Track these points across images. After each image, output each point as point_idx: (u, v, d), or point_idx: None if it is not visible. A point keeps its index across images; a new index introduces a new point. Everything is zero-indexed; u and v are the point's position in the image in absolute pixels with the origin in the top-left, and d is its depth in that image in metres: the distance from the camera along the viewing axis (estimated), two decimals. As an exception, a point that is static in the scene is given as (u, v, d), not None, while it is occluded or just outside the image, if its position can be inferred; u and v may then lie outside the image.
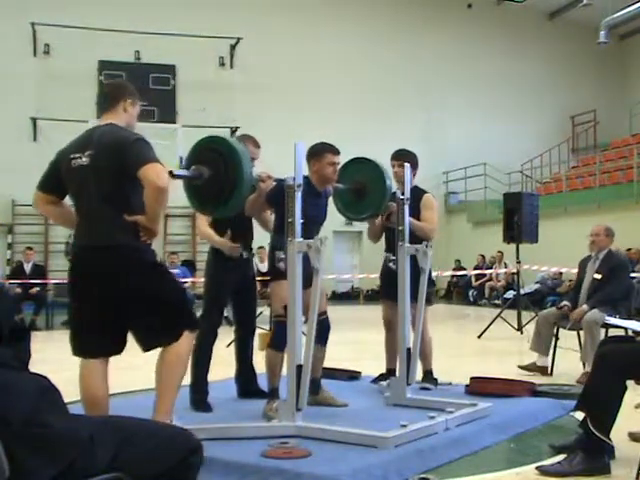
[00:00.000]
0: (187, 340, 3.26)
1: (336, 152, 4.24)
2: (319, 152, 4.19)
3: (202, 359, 4.32)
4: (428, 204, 5.02)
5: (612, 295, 5.78)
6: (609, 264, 5.91)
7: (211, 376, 4.47)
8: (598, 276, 5.91)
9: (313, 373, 4.36)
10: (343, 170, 4.47)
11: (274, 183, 3.96)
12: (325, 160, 4.18)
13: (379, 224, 5.03)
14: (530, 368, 6.03)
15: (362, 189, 4.62)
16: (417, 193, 4.96)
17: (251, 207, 4.01)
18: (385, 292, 5.15)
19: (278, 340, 3.97)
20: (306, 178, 3.89)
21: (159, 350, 3.26)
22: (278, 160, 5.87)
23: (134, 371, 4.25)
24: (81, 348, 3.27)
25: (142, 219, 3.16)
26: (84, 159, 3.22)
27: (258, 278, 5.00)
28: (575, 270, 6.40)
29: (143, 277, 3.17)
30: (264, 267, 8.52)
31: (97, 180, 3.18)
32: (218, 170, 3.44)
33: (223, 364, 4.47)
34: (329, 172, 4.20)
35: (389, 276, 4.90)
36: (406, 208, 4.54)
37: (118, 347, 3.28)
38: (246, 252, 4.58)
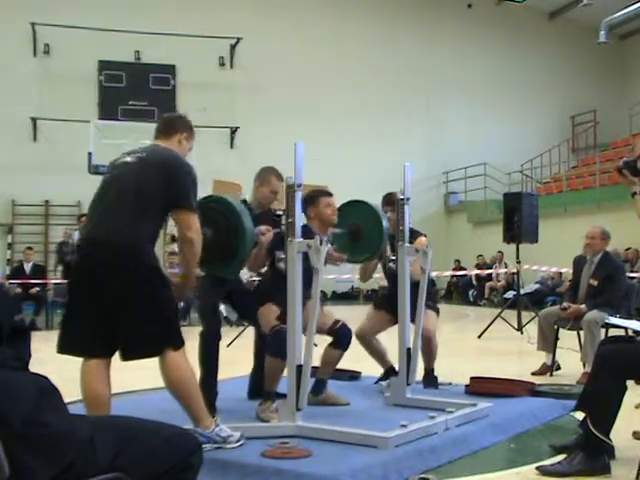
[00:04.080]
0: (178, 354, 3.22)
1: (329, 194, 4.37)
2: (313, 198, 4.29)
3: (208, 360, 4.30)
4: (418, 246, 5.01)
5: (610, 301, 5.78)
6: (605, 270, 5.89)
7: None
8: (594, 282, 5.89)
9: (322, 374, 4.40)
10: (338, 213, 4.51)
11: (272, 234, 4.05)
12: (321, 204, 4.29)
13: (374, 266, 5.11)
14: (542, 371, 6.04)
15: (358, 231, 4.70)
16: (412, 235, 4.88)
17: (254, 261, 4.06)
18: (384, 302, 5.18)
19: (275, 347, 3.96)
20: (305, 227, 3.90)
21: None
22: (278, 160, 5.86)
23: (134, 371, 4.24)
24: (64, 345, 3.22)
25: (179, 280, 3.35)
26: (129, 158, 3.31)
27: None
28: (575, 270, 6.40)
29: (140, 279, 3.15)
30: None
31: (133, 180, 3.22)
32: (219, 229, 3.50)
33: (224, 364, 4.46)
34: (329, 213, 4.29)
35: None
36: (406, 208, 4.54)
37: (105, 350, 3.22)
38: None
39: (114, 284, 3.12)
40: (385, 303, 5.12)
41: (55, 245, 13.61)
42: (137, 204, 3.19)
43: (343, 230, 4.58)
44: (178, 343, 3.23)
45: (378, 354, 5.19)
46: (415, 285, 4.55)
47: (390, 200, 5.00)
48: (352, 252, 4.79)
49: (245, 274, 4.98)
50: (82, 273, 3.22)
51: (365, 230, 4.70)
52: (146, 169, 3.25)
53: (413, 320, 4.58)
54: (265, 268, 4.50)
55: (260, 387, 4.30)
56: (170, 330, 3.24)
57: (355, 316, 5.31)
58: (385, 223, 4.66)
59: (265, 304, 4.21)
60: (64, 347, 3.23)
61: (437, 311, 5.24)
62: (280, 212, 4.59)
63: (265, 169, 4.54)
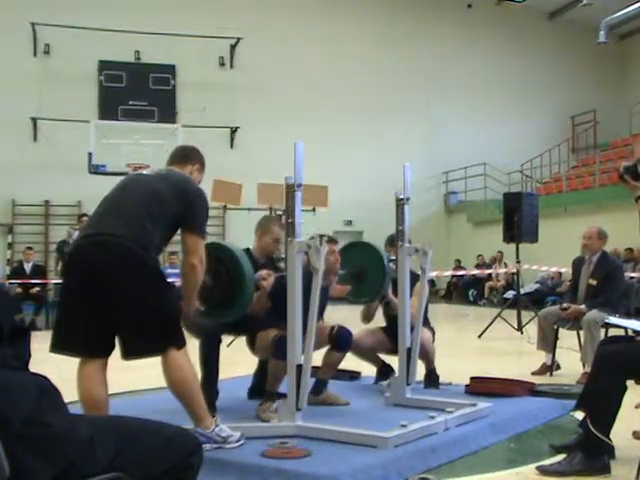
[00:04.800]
0: (181, 353, 3.23)
1: (334, 241, 4.39)
2: None
3: (209, 360, 4.30)
4: (416, 290, 4.98)
5: (610, 300, 5.78)
6: (604, 269, 5.90)
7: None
8: (593, 282, 5.90)
9: (322, 375, 4.40)
10: (341, 254, 4.54)
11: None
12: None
13: (375, 308, 5.12)
14: (542, 371, 6.05)
15: (361, 273, 4.74)
16: (413, 278, 4.85)
17: (255, 305, 4.08)
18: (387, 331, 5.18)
19: (280, 351, 3.96)
20: (310, 272, 3.89)
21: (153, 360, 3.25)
22: (278, 160, 5.87)
23: (133, 371, 4.25)
24: (59, 344, 3.20)
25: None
26: (147, 171, 3.45)
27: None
28: (574, 270, 6.41)
29: (143, 279, 3.15)
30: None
31: (149, 191, 3.28)
32: (220, 277, 3.53)
33: (224, 364, 4.46)
34: (332, 261, 4.31)
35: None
36: (406, 208, 4.53)
37: (102, 350, 3.22)
38: None
39: (117, 284, 3.11)
40: (387, 331, 5.15)
41: (55, 245, 13.63)
42: (148, 212, 3.21)
43: (346, 271, 4.61)
44: (180, 342, 3.24)
45: (368, 357, 5.23)
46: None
47: (394, 241, 4.96)
48: (353, 294, 4.83)
49: None
50: (83, 272, 3.17)
51: (368, 273, 4.75)
52: (163, 185, 3.32)
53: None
54: None
55: (262, 387, 4.31)
56: (172, 330, 3.24)
57: (355, 317, 5.30)
58: (387, 264, 4.69)
59: (264, 329, 4.21)
60: (59, 346, 3.21)
61: (432, 332, 5.24)
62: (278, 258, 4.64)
63: (266, 218, 4.62)
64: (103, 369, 3.24)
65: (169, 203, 3.27)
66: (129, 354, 3.21)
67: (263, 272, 4.10)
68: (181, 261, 3.37)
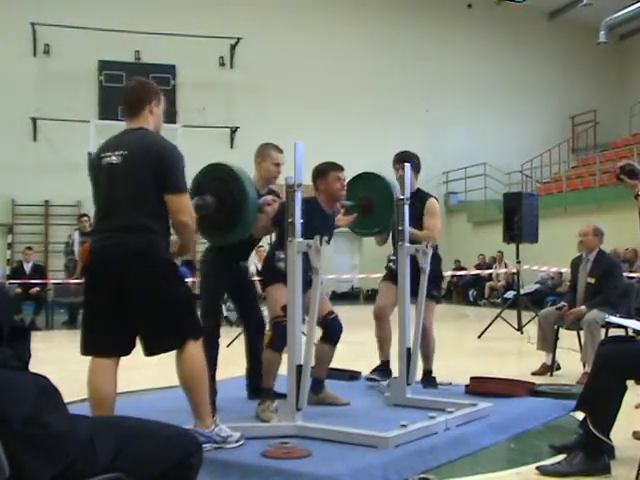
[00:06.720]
0: (196, 344, 3.27)
1: (340, 168, 4.31)
2: (323, 171, 4.27)
3: (208, 359, 4.29)
4: (432, 210, 4.98)
5: (609, 299, 5.79)
6: (601, 267, 5.91)
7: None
8: (592, 280, 5.90)
9: (317, 373, 4.38)
10: (349, 187, 4.48)
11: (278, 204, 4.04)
12: (330, 177, 4.24)
13: (387, 235, 5.04)
14: (542, 371, 6.05)
15: (369, 205, 4.66)
16: (421, 197, 4.91)
17: (259, 230, 4.08)
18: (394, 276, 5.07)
19: (277, 341, 3.98)
20: (314, 200, 3.88)
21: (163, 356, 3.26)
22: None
23: (135, 371, 4.25)
24: (89, 346, 3.24)
25: (177, 248, 3.33)
26: (114, 158, 3.24)
27: (256, 278, 5.01)
28: (574, 270, 6.41)
29: (157, 277, 3.17)
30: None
31: (125, 180, 3.20)
32: (223, 198, 3.49)
33: (224, 364, 4.46)
34: (337, 187, 4.25)
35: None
36: (406, 208, 4.53)
37: (123, 349, 3.26)
38: (242, 261, 4.63)
39: (133, 284, 3.14)
40: (395, 276, 4.94)
41: (55, 245, 13.59)
42: (137, 205, 3.19)
43: (354, 203, 4.55)
44: (197, 333, 3.28)
45: (384, 339, 5.07)
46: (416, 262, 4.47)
47: (402, 159, 4.85)
48: (362, 225, 4.78)
49: (251, 264, 4.99)
50: (100, 276, 3.22)
51: (376, 204, 4.66)
52: (135, 170, 3.19)
53: (414, 294, 4.49)
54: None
55: (258, 387, 4.31)
56: (189, 322, 3.28)
57: (355, 317, 5.29)
58: (396, 194, 4.56)
59: (274, 283, 4.15)
60: (89, 349, 3.25)
61: (437, 299, 5.16)
62: (274, 188, 4.55)
63: (262, 145, 4.53)
64: (115, 367, 3.27)
65: (150, 184, 3.18)
66: (150, 351, 3.24)
67: (268, 197, 4.04)
68: (171, 223, 3.26)
